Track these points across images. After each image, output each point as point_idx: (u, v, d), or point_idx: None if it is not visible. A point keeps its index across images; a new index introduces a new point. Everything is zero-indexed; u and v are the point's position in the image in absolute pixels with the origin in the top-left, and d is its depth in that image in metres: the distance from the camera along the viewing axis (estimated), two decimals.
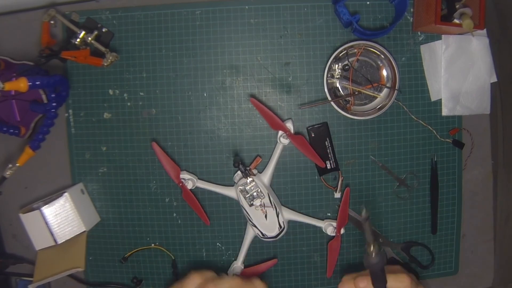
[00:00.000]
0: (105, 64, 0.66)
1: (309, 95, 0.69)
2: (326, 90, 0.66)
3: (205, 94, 0.69)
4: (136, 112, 0.70)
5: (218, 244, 0.71)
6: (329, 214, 0.71)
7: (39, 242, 0.64)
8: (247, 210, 0.66)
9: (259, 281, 0.50)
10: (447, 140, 0.71)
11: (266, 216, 0.66)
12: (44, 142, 0.66)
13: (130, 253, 0.71)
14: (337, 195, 0.70)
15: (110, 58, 0.66)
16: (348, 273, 0.51)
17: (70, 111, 0.70)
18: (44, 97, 0.67)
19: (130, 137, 0.70)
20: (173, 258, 0.71)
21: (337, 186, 0.70)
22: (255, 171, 0.68)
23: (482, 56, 0.69)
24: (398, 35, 0.69)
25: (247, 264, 0.70)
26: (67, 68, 0.69)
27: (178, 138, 0.70)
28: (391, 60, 0.66)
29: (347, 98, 0.68)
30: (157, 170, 0.70)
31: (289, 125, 0.67)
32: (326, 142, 0.69)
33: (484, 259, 0.75)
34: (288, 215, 0.68)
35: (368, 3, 0.68)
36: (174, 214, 0.71)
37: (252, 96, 0.69)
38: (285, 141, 0.67)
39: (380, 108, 0.67)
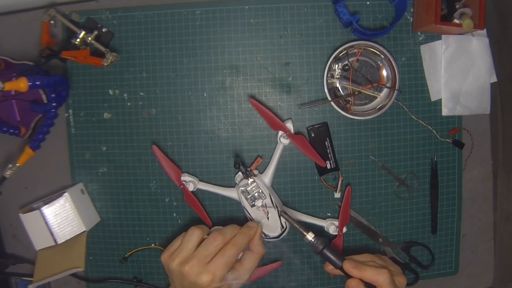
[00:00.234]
0: (105, 64, 0.66)
1: (309, 95, 0.69)
2: (326, 90, 0.66)
3: (205, 94, 0.69)
4: (136, 112, 0.70)
5: None
6: (329, 214, 0.71)
7: (39, 242, 0.64)
8: (249, 211, 0.66)
9: (253, 223, 0.59)
10: (447, 140, 0.71)
11: (268, 217, 0.66)
12: (44, 142, 0.66)
13: (130, 253, 0.71)
14: (337, 195, 0.70)
15: (110, 58, 0.66)
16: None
17: (70, 111, 0.70)
18: (44, 97, 0.67)
19: (130, 137, 0.70)
20: None
21: (337, 186, 0.70)
22: (256, 172, 0.69)
23: (482, 56, 0.69)
24: (398, 35, 0.69)
25: None
26: (67, 68, 0.69)
27: (178, 138, 0.70)
28: (391, 60, 0.66)
29: (347, 98, 0.68)
30: (157, 170, 0.70)
31: (289, 125, 0.67)
32: (326, 142, 0.69)
33: (484, 259, 0.75)
34: (290, 215, 0.68)
35: (368, 3, 0.68)
36: (174, 214, 0.71)
37: (252, 96, 0.69)
38: (285, 141, 0.67)
39: (380, 108, 0.67)
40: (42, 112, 0.67)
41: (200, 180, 0.69)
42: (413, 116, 0.69)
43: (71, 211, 0.65)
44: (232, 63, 0.69)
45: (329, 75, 0.67)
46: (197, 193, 0.69)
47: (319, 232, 0.71)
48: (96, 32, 0.65)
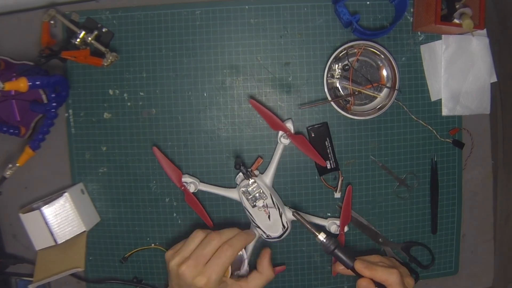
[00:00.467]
0: (105, 64, 0.66)
1: (309, 95, 0.69)
2: (326, 90, 0.66)
3: (205, 94, 0.69)
4: (136, 112, 0.70)
5: None
6: (329, 214, 0.71)
7: (39, 242, 0.64)
8: (250, 211, 0.66)
9: (254, 231, 0.62)
10: (447, 140, 0.71)
11: (269, 217, 0.66)
12: (44, 142, 0.66)
13: (130, 253, 0.71)
14: (337, 195, 0.70)
15: (110, 58, 0.66)
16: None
17: (70, 111, 0.70)
18: (44, 97, 0.67)
19: (130, 137, 0.70)
20: None
21: (337, 186, 0.70)
22: (256, 172, 0.68)
23: (482, 56, 0.69)
24: (398, 35, 0.69)
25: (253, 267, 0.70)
26: (67, 68, 0.69)
27: (178, 138, 0.70)
28: (391, 60, 0.66)
29: (347, 98, 0.68)
30: (157, 170, 0.70)
31: (289, 125, 0.67)
32: (326, 142, 0.69)
33: (484, 259, 0.75)
34: (291, 215, 0.68)
35: (368, 3, 0.68)
36: (174, 214, 0.71)
37: (252, 96, 0.69)
38: (285, 141, 0.67)
39: (380, 108, 0.67)
40: (42, 112, 0.67)
41: (200, 181, 0.69)
42: (413, 116, 0.69)
43: (71, 211, 0.65)
44: (232, 63, 0.69)
45: (329, 75, 0.67)
46: (197, 193, 0.69)
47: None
48: (96, 32, 0.65)
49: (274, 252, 0.71)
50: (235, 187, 0.69)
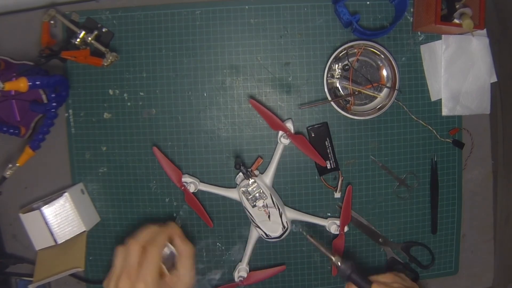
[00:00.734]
0: (105, 64, 0.66)
1: (309, 95, 0.69)
2: (326, 90, 0.66)
3: (205, 94, 0.69)
4: (136, 112, 0.70)
5: (218, 244, 0.71)
6: (329, 214, 0.71)
7: (39, 242, 0.64)
8: (250, 211, 0.66)
9: (173, 224, 0.56)
10: (447, 140, 0.71)
11: (269, 217, 0.66)
12: (44, 142, 0.66)
13: None
14: (337, 195, 0.70)
15: (110, 58, 0.66)
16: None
17: (70, 111, 0.70)
18: (44, 97, 0.67)
19: (130, 137, 0.70)
20: None
21: (337, 186, 0.70)
22: (256, 172, 0.68)
23: (482, 56, 0.69)
24: (398, 35, 0.69)
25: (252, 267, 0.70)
26: (67, 68, 0.69)
27: (178, 138, 0.70)
28: (391, 60, 0.66)
29: (347, 98, 0.68)
30: (157, 170, 0.70)
31: (289, 125, 0.67)
32: (326, 142, 0.69)
33: (484, 259, 0.75)
34: (291, 214, 0.68)
35: (368, 3, 0.68)
36: (174, 214, 0.71)
37: (252, 96, 0.69)
38: (285, 141, 0.67)
39: (380, 108, 0.67)
40: (42, 112, 0.67)
41: (200, 181, 0.69)
42: (413, 116, 0.69)
43: (71, 211, 0.65)
44: (232, 63, 0.69)
45: (329, 75, 0.67)
46: (197, 193, 0.69)
47: (320, 231, 0.71)
48: (96, 32, 0.65)
49: (274, 252, 0.71)
50: (235, 187, 0.69)
